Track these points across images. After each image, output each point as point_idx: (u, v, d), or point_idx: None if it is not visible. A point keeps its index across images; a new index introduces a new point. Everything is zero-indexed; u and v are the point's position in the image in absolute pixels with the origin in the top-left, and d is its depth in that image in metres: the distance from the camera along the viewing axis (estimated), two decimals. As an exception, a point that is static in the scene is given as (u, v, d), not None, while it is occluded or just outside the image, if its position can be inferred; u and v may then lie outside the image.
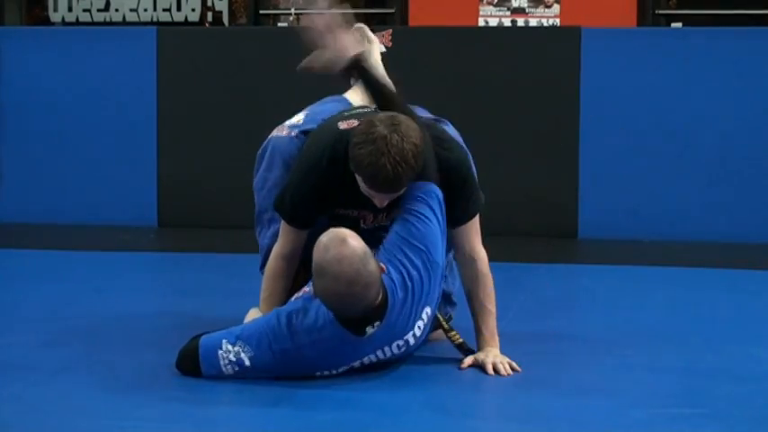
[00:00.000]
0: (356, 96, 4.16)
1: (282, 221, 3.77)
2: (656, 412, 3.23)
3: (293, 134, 3.98)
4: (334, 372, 3.45)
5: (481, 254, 3.74)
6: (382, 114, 3.53)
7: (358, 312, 3.35)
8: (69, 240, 6.43)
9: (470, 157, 3.84)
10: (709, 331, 4.29)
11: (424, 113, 4.04)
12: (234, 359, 3.44)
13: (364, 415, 3.20)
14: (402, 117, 3.50)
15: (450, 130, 4.00)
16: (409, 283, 3.44)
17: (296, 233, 3.75)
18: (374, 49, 4.36)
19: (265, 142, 4.05)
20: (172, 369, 3.54)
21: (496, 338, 3.70)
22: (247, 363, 3.44)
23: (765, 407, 3.32)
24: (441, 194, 3.59)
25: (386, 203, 3.57)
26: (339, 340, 3.39)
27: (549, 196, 6.70)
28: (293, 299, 3.55)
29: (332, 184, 3.66)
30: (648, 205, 6.64)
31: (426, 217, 3.54)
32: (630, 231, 6.59)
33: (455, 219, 3.67)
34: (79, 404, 3.27)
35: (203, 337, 3.51)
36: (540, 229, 6.67)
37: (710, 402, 3.34)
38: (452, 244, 3.74)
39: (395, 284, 3.42)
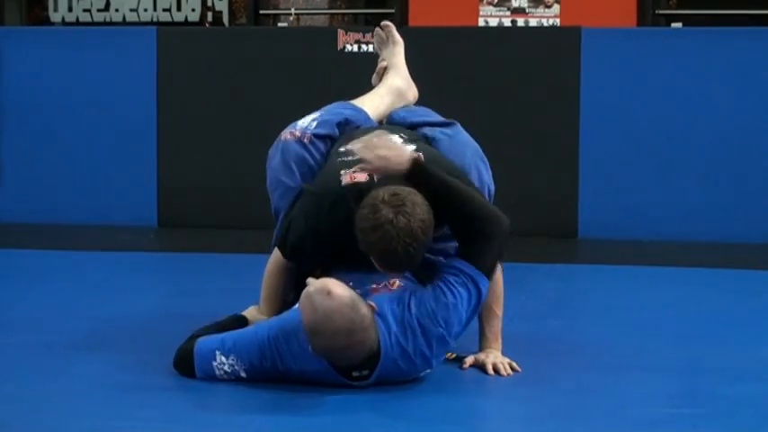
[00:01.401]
0: (370, 106, 4.13)
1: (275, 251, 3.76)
2: (656, 412, 3.23)
3: (305, 139, 3.90)
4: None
5: (498, 276, 3.73)
6: (383, 191, 3.40)
7: (359, 359, 3.31)
8: (69, 240, 6.42)
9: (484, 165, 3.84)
10: (709, 331, 4.29)
11: (433, 117, 4.03)
12: (229, 370, 3.44)
13: (364, 418, 3.20)
14: (405, 191, 3.39)
15: (460, 131, 3.99)
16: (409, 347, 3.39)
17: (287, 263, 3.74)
18: (399, 50, 4.32)
19: (277, 141, 3.98)
20: (172, 369, 3.54)
21: (499, 341, 3.70)
22: (243, 374, 3.44)
23: (766, 407, 3.32)
24: (485, 290, 3.48)
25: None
26: (330, 376, 3.39)
27: (549, 196, 6.70)
28: (290, 311, 3.53)
29: (333, 242, 3.61)
30: (648, 205, 6.63)
31: (458, 296, 3.44)
32: (630, 231, 6.59)
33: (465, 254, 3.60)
34: (79, 404, 3.27)
35: (198, 342, 3.49)
36: (540, 229, 6.66)
37: (710, 402, 3.34)
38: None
39: (389, 331, 3.35)
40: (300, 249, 3.66)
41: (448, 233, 3.59)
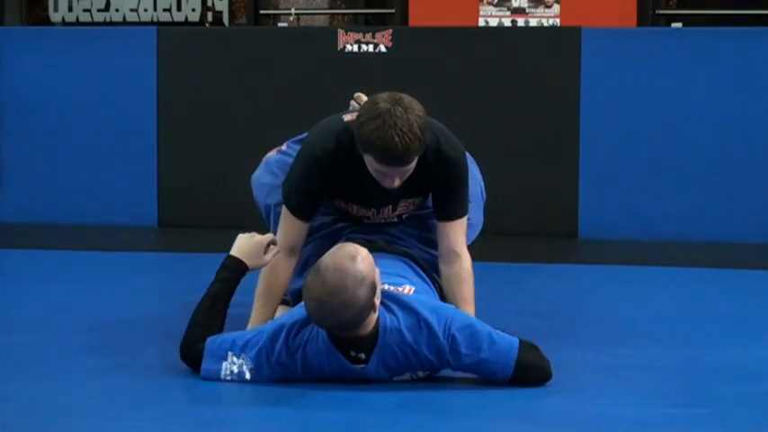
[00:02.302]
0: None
1: (283, 212, 3.77)
2: (656, 412, 3.23)
3: (283, 147, 4.08)
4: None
5: (466, 252, 3.76)
6: (383, 93, 3.55)
7: (331, 327, 3.31)
8: (69, 240, 6.43)
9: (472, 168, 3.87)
10: (709, 331, 4.29)
11: None
12: (236, 371, 3.44)
13: (366, 416, 3.20)
14: (403, 94, 3.52)
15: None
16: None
17: (298, 225, 3.75)
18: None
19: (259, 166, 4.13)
20: (172, 369, 3.54)
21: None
22: (247, 376, 3.43)
23: (765, 406, 3.32)
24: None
25: (396, 183, 3.56)
26: (338, 368, 3.39)
27: (549, 196, 6.70)
28: (298, 306, 3.52)
29: (336, 173, 3.67)
30: (648, 205, 6.64)
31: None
32: (630, 231, 6.59)
33: (448, 214, 3.71)
34: (79, 404, 3.27)
35: (209, 341, 3.49)
36: (540, 229, 6.67)
37: (710, 402, 3.34)
38: (438, 242, 3.75)
39: (390, 324, 3.36)
40: (305, 201, 3.70)
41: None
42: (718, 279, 5.43)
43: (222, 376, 3.44)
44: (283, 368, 3.41)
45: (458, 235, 3.74)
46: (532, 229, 6.67)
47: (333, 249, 3.35)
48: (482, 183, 4.11)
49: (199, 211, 6.98)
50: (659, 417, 3.19)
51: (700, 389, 3.48)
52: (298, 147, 3.93)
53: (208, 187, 6.97)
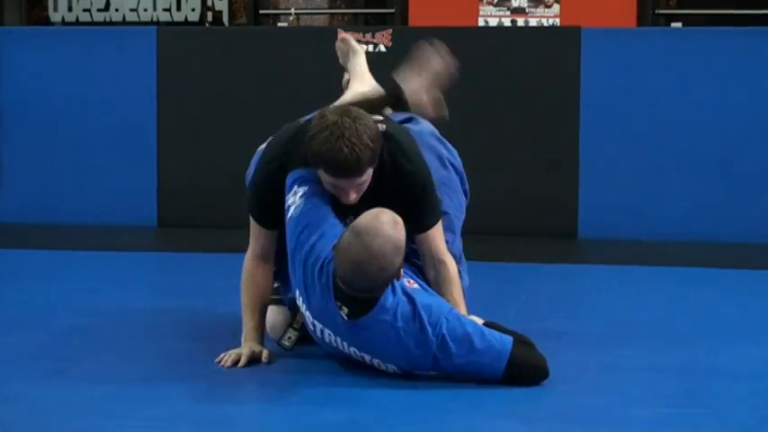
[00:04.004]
0: None
1: (251, 221, 3.76)
2: (656, 412, 3.23)
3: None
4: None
5: (449, 257, 3.72)
6: (331, 107, 3.56)
7: (359, 288, 3.33)
8: (69, 240, 6.43)
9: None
10: (709, 331, 4.29)
11: (396, 117, 4.03)
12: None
13: (366, 414, 3.20)
14: (353, 107, 3.52)
15: (420, 120, 4.00)
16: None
17: (264, 232, 3.74)
18: (359, 60, 4.39)
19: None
20: (172, 369, 3.55)
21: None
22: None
23: (765, 406, 3.32)
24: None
25: (353, 198, 3.52)
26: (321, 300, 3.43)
27: (549, 196, 6.70)
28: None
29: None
30: (648, 205, 6.64)
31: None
32: (630, 231, 6.59)
33: (421, 225, 3.65)
34: (79, 404, 3.27)
35: None
36: (540, 229, 6.67)
37: (710, 402, 3.34)
38: (419, 252, 3.71)
39: (397, 306, 3.38)
40: (264, 210, 3.69)
41: None
42: (718, 279, 5.43)
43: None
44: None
45: (437, 242, 3.69)
46: (532, 229, 6.67)
47: (372, 212, 3.36)
48: (452, 159, 4.00)
49: (199, 211, 6.98)
50: (659, 417, 3.19)
51: (700, 389, 3.48)
52: None
53: (208, 187, 6.97)
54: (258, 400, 3.35)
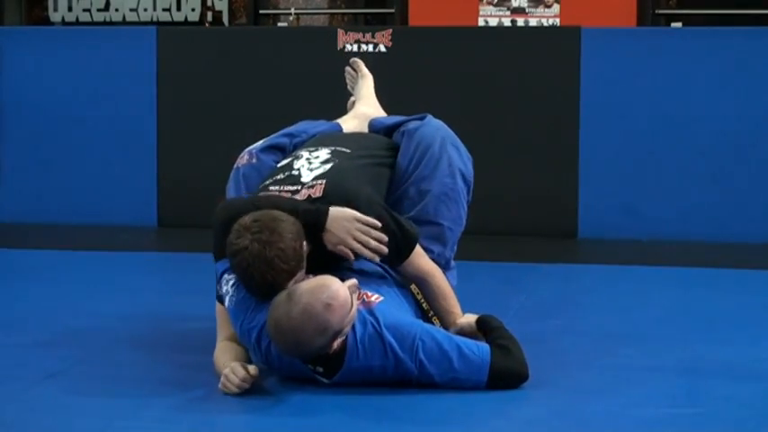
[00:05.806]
0: (350, 124, 4.19)
1: (217, 305, 3.73)
2: (656, 412, 3.23)
3: (253, 159, 4.01)
4: None
5: (432, 270, 3.68)
6: (250, 216, 3.42)
7: (280, 350, 3.29)
8: (69, 240, 6.43)
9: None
10: (709, 331, 4.29)
11: (408, 117, 4.03)
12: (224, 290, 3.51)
13: (351, 421, 3.19)
14: (269, 217, 3.37)
15: (432, 119, 3.98)
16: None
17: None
18: (367, 82, 4.40)
19: (234, 169, 4.11)
20: (172, 369, 3.54)
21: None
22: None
23: (765, 407, 3.32)
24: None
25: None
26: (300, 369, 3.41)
27: (549, 196, 6.70)
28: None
29: None
30: (648, 205, 6.64)
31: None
32: (630, 231, 6.59)
33: (393, 260, 3.58)
34: (79, 404, 3.27)
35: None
36: (540, 229, 6.67)
37: (710, 402, 3.34)
38: (402, 275, 3.67)
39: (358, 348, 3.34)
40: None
41: None
42: (718, 279, 5.43)
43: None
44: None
45: (416, 264, 3.64)
46: (532, 229, 6.67)
47: (316, 281, 3.27)
48: (464, 168, 3.92)
49: (198, 211, 6.96)
50: (659, 417, 3.19)
51: (700, 389, 3.48)
52: (269, 158, 3.92)
53: (207, 187, 6.94)
54: (258, 403, 3.34)
